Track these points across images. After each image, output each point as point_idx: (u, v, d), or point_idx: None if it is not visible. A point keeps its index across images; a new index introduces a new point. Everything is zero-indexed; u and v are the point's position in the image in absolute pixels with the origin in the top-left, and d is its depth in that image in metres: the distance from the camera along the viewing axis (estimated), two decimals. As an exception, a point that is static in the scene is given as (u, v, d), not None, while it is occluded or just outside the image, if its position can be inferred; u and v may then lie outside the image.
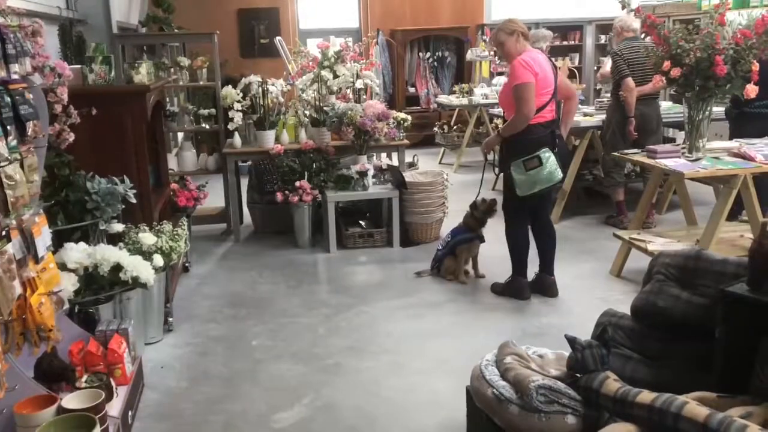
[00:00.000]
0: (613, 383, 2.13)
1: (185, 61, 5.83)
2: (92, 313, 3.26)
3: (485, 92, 8.28)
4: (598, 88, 6.88)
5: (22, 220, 2.20)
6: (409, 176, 5.45)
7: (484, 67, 9.71)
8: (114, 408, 2.70)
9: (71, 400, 2.48)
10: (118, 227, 3.59)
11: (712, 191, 5.68)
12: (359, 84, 5.89)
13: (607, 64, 6.73)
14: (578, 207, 6.19)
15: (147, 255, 3.48)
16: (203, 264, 5.10)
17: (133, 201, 3.62)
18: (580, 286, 4.40)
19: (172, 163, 5.70)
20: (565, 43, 10.62)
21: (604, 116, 5.74)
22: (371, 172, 5.30)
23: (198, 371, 3.43)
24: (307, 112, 5.65)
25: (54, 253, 2.71)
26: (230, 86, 5.49)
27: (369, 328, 3.89)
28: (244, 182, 5.99)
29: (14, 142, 2.17)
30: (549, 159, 3.87)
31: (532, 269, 4.29)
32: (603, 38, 10.35)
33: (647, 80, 5.12)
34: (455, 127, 9.14)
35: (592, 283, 4.47)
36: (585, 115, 6.08)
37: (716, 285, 2.26)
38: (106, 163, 3.68)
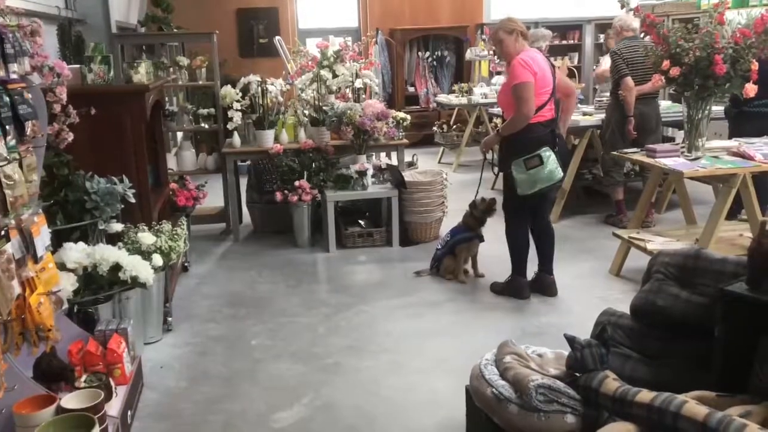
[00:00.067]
0: (612, 382, 2.13)
1: (184, 61, 5.83)
2: (91, 313, 3.26)
3: (484, 91, 8.28)
4: (596, 87, 6.88)
5: (21, 220, 2.20)
6: (408, 176, 5.45)
7: (484, 67, 9.70)
8: (113, 408, 2.70)
9: (70, 400, 2.48)
10: (117, 227, 3.59)
11: (712, 190, 5.68)
12: (358, 83, 5.89)
13: (604, 63, 6.73)
14: (578, 206, 6.19)
15: (146, 255, 3.48)
16: (202, 264, 5.10)
17: (132, 201, 3.62)
18: (579, 285, 4.40)
19: (172, 162, 5.70)
20: (564, 42, 10.62)
21: (603, 115, 5.75)
22: (370, 172, 5.30)
23: (197, 371, 3.43)
24: (307, 112, 5.65)
25: (53, 252, 2.71)
26: (229, 86, 5.49)
27: (368, 327, 3.89)
28: (244, 182, 5.99)
29: (13, 142, 2.17)
30: (549, 158, 3.87)
31: (532, 269, 4.29)
32: (602, 37, 10.33)
33: (646, 79, 5.12)
34: (454, 126, 9.13)
35: (592, 282, 4.47)
36: (584, 114, 6.08)
37: (715, 284, 2.27)
38: (105, 163, 3.68)
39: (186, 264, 4.90)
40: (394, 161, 5.84)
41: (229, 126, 5.41)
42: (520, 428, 2.28)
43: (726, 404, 1.93)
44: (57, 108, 2.89)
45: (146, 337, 3.67)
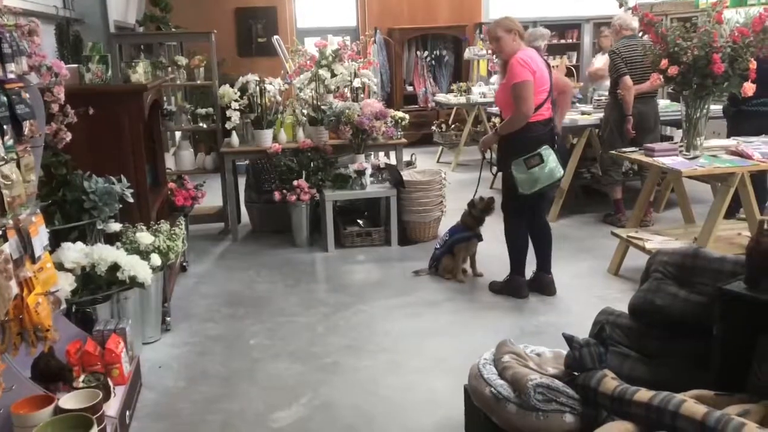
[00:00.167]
0: (610, 381, 2.13)
1: (182, 60, 5.82)
2: (90, 313, 3.25)
3: (483, 91, 8.28)
4: (594, 88, 6.88)
5: (18, 220, 2.20)
6: (406, 175, 5.45)
7: (482, 66, 9.70)
8: (111, 408, 2.70)
9: (68, 400, 2.48)
10: (115, 227, 3.58)
11: (710, 189, 5.69)
12: (357, 83, 5.89)
13: (596, 61, 6.73)
14: (576, 205, 6.19)
15: (144, 254, 3.48)
16: (201, 263, 5.09)
17: (131, 200, 3.61)
18: (578, 284, 4.40)
19: (170, 162, 5.69)
20: (562, 41, 10.62)
21: (601, 114, 5.75)
22: (369, 171, 5.30)
23: (196, 371, 3.42)
24: (305, 111, 5.64)
25: (51, 252, 2.71)
26: (227, 85, 5.48)
27: (367, 326, 3.89)
28: (242, 181, 5.99)
29: (11, 142, 2.17)
30: (549, 156, 3.87)
31: (530, 268, 4.29)
32: (600, 37, 10.35)
33: (645, 78, 5.12)
34: (453, 125, 9.13)
35: (590, 281, 4.47)
36: (583, 113, 6.09)
37: (714, 283, 2.27)
38: (104, 163, 3.67)
39: (184, 264, 4.90)
40: (393, 161, 5.84)
41: (228, 125, 5.40)
42: (519, 427, 2.28)
43: (724, 403, 1.93)
44: (55, 108, 2.89)
45: (145, 336, 3.67)
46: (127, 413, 2.85)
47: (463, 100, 8.30)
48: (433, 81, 10.37)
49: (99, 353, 2.88)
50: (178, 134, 6.49)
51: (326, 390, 3.18)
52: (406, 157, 6.11)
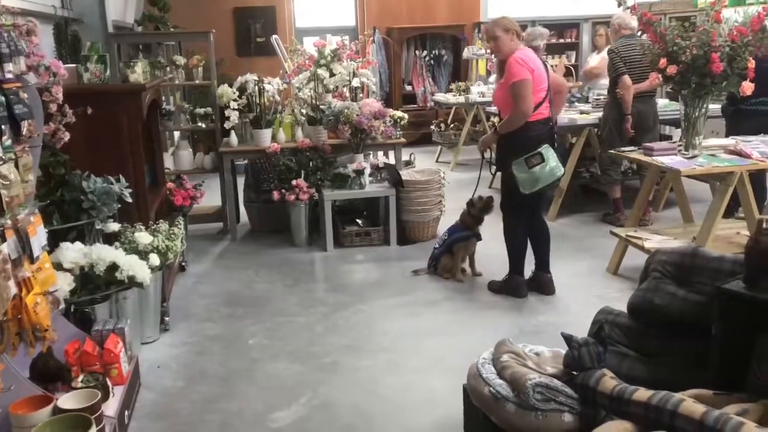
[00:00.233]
0: (609, 381, 2.13)
1: (181, 60, 5.82)
2: (88, 313, 3.25)
3: (482, 90, 8.28)
4: (587, 88, 6.85)
5: (17, 220, 2.20)
6: (405, 174, 5.45)
7: (481, 65, 9.70)
8: (110, 408, 2.70)
9: (67, 400, 2.48)
10: (114, 227, 3.58)
11: (709, 188, 5.69)
12: (356, 82, 5.89)
13: (592, 60, 6.72)
14: (575, 205, 6.19)
15: (143, 254, 3.47)
16: (200, 263, 5.09)
17: (129, 200, 3.61)
18: (577, 283, 4.40)
19: (169, 162, 5.69)
20: (561, 41, 10.62)
21: (600, 114, 5.75)
22: (368, 171, 5.30)
23: (194, 371, 3.42)
24: (304, 111, 5.64)
25: (50, 252, 2.70)
26: (226, 85, 5.48)
27: (366, 326, 3.88)
28: (241, 181, 5.99)
29: (9, 142, 2.17)
30: (550, 155, 3.88)
31: (529, 267, 4.29)
32: (600, 36, 10.35)
33: (644, 78, 5.12)
34: (452, 125, 9.13)
35: (589, 280, 4.47)
36: (581, 112, 6.09)
37: (713, 282, 2.27)
38: (102, 163, 3.67)
39: (183, 263, 4.89)
40: (392, 160, 5.83)
41: (226, 125, 5.40)
42: (518, 427, 2.28)
43: (723, 402, 1.94)
44: (53, 107, 2.88)
45: (143, 336, 3.66)
46: (126, 413, 2.85)
47: (461, 99, 8.29)
48: (431, 80, 10.36)
49: (98, 353, 2.88)
50: (176, 134, 6.49)
51: (325, 390, 3.18)
52: (405, 157, 6.11)
